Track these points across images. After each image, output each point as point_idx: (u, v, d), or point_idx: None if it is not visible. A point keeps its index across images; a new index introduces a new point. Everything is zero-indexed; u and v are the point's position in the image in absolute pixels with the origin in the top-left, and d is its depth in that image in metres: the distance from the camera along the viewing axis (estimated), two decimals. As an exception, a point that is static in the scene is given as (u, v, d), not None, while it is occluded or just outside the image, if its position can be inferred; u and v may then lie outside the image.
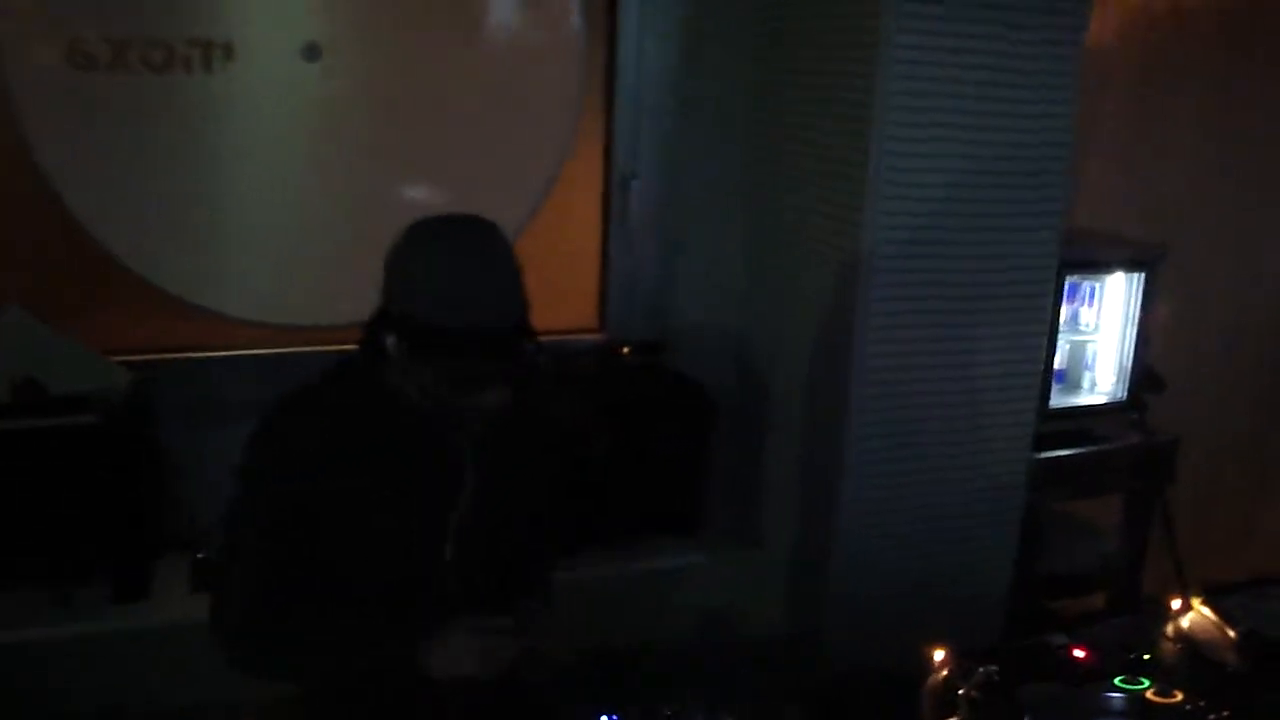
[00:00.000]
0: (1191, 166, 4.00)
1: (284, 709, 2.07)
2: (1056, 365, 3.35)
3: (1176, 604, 2.33)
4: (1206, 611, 2.27)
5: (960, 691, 2.02)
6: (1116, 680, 1.90)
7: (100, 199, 2.91)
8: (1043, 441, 3.28)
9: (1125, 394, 3.44)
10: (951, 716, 1.97)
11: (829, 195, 3.00)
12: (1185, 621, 2.28)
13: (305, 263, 3.08)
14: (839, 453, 2.99)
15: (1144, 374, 3.36)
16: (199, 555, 2.91)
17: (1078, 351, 3.51)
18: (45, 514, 2.70)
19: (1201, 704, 1.81)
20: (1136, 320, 3.41)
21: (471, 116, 3.15)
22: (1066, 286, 3.28)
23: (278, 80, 2.98)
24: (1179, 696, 1.84)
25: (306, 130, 3.05)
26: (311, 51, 2.96)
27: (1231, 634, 2.17)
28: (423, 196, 3.18)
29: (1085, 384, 3.52)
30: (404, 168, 3.15)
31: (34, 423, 2.66)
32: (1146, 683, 1.89)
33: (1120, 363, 3.46)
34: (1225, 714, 1.78)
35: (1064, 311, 3.32)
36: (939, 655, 2.14)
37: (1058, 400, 3.37)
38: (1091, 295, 3.47)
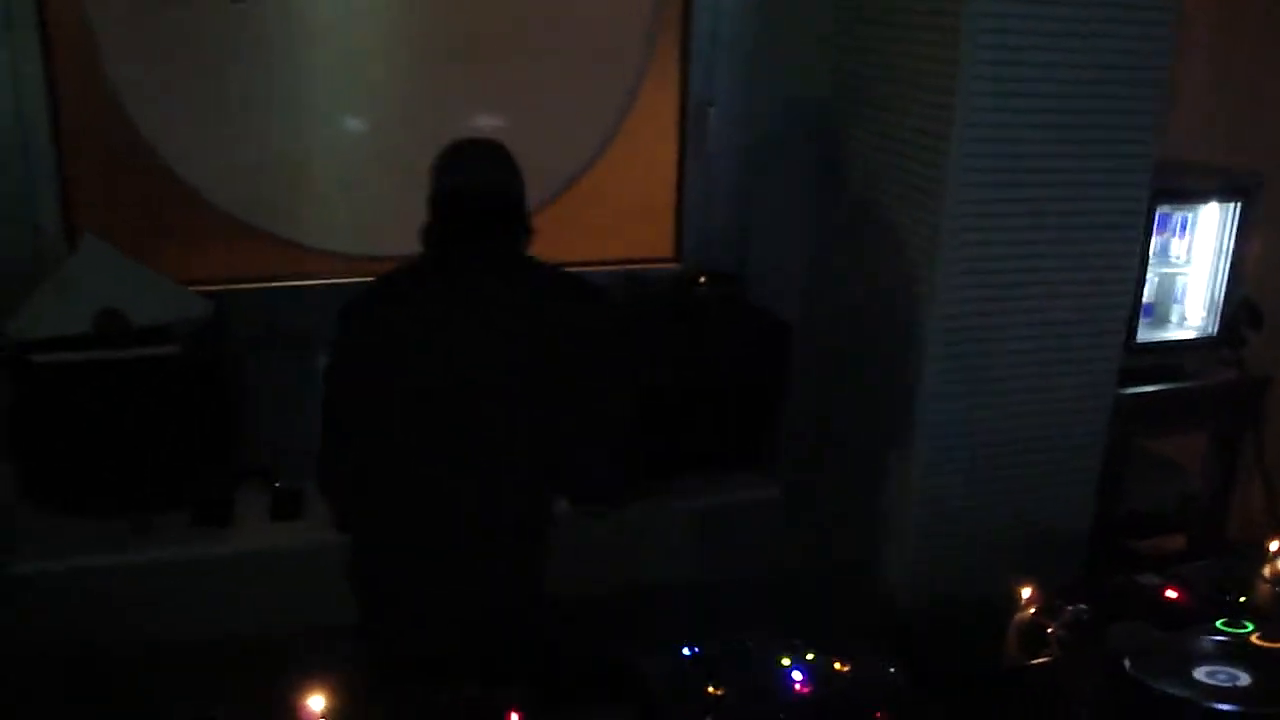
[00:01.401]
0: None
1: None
2: (1145, 298, 3.25)
3: (1275, 545, 2.26)
4: (1305, 552, 2.20)
5: (1049, 630, 1.99)
6: (1218, 623, 1.84)
7: (176, 129, 2.91)
8: (1128, 376, 3.19)
9: (1215, 329, 3.34)
10: (1040, 654, 1.93)
11: (912, 122, 2.92)
12: (1283, 563, 2.21)
13: (381, 192, 3.06)
14: (916, 385, 2.93)
15: (1242, 308, 3.24)
16: (277, 484, 2.94)
17: (1167, 284, 3.41)
18: (127, 443, 2.73)
19: (1308, 648, 1.75)
20: (1230, 253, 3.29)
21: (544, 45, 3.09)
22: (1157, 217, 3.17)
23: (355, 9, 2.94)
24: (1283, 641, 1.78)
25: (382, 61, 3.02)
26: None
27: (1332, 576, 2.10)
28: (496, 126, 3.13)
29: (1174, 318, 3.42)
30: (477, 97, 3.11)
31: (116, 354, 2.68)
32: (1250, 626, 1.83)
33: (1211, 297, 3.35)
34: (1335, 660, 1.72)
35: (1154, 243, 3.22)
36: (1026, 592, 2.10)
37: (1145, 334, 3.28)
38: (1183, 226, 3.36)
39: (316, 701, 1.70)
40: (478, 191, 2.20)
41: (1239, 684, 1.63)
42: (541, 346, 2.17)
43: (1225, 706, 1.56)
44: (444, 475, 2.18)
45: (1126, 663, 1.68)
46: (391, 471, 2.21)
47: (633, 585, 2.96)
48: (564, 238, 3.03)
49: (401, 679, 2.23)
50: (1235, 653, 1.71)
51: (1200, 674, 1.66)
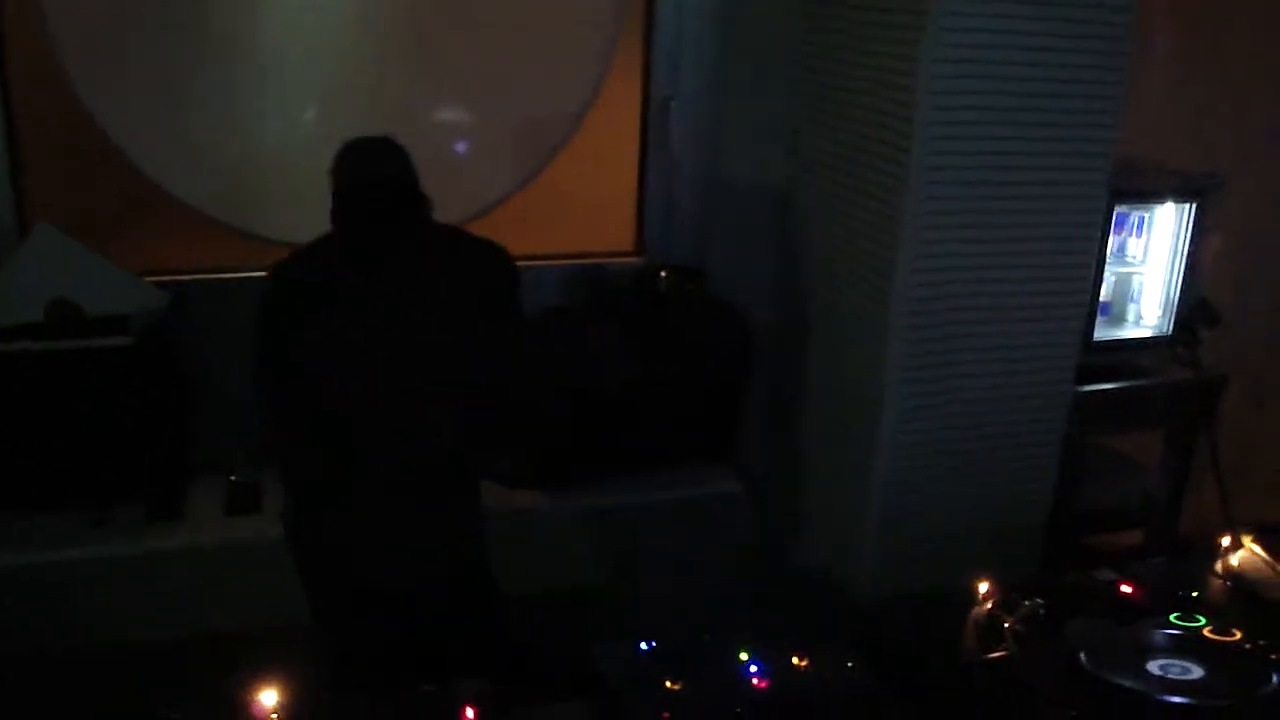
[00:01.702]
0: (1245, 96, 3.87)
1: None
2: (1102, 297, 3.28)
3: (1226, 541, 2.29)
4: (1258, 549, 2.23)
5: (1006, 624, 1.99)
6: (1171, 617, 1.85)
7: (133, 118, 2.87)
8: (1085, 374, 3.22)
9: (1171, 328, 3.37)
10: (996, 649, 1.94)
11: (875, 121, 2.93)
12: (1235, 559, 2.24)
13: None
14: (879, 382, 2.95)
15: (1198, 306, 3.28)
16: (232, 477, 2.91)
17: (1123, 284, 3.44)
18: (81, 435, 2.69)
19: (1261, 643, 1.77)
20: (1186, 252, 3.32)
21: (504, 35, 3.08)
22: (1115, 217, 3.19)
23: (318, 2, 2.91)
24: (1238, 635, 1.80)
25: (341, 47, 2.99)
26: (342, -38, 2.89)
27: (1280, 573, 2.13)
28: (457, 117, 3.12)
29: (1130, 317, 3.45)
30: (439, 87, 3.09)
31: (70, 344, 2.64)
32: (1203, 620, 1.85)
33: (1167, 296, 3.38)
34: (1285, 653, 1.74)
35: (1111, 242, 3.24)
36: (984, 587, 2.11)
37: (1102, 333, 3.31)
38: (1140, 226, 3.39)
39: (269, 697, 1.68)
40: (383, 180, 2.38)
41: (1190, 677, 1.65)
42: (460, 295, 2.38)
43: (1177, 699, 1.58)
44: (380, 418, 2.32)
45: (1082, 656, 1.69)
46: (331, 421, 2.32)
47: (591, 580, 2.96)
48: (526, 231, 3.03)
49: (350, 636, 2.38)
50: (1187, 646, 1.73)
51: (1154, 667, 1.68)
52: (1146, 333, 3.41)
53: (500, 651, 2.46)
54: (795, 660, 1.92)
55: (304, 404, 2.35)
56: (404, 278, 2.36)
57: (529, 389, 2.49)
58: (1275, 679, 1.64)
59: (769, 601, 3.15)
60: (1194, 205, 3.30)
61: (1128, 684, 1.61)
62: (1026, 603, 2.06)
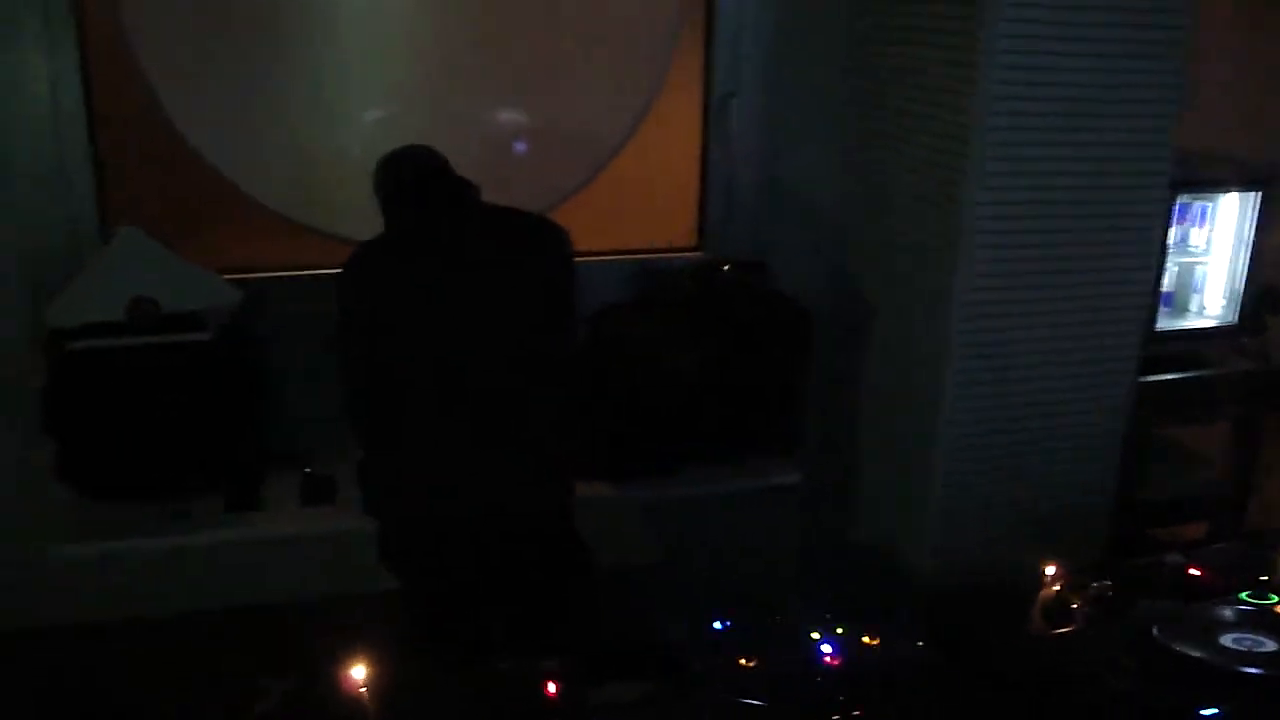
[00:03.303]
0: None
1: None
2: (1165, 287, 3.27)
3: (1295, 526, 2.29)
4: (1325, 533, 2.23)
5: (1074, 605, 2.02)
6: (1243, 595, 1.87)
7: (209, 120, 2.95)
8: (1148, 365, 3.21)
9: (1235, 317, 3.36)
10: (1064, 627, 1.97)
11: (933, 113, 2.94)
12: (1304, 543, 2.24)
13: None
14: (940, 373, 2.96)
15: (1264, 295, 3.26)
16: (307, 470, 2.98)
17: (1186, 273, 3.43)
18: (160, 428, 2.76)
19: (1333, 618, 1.78)
20: (1250, 241, 3.31)
21: (571, 35, 3.13)
22: (1177, 207, 3.19)
23: (387, 2, 2.98)
24: (1310, 610, 1.81)
25: (411, 50, 3.06)
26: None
27: (1351, 555, 2.13)
28: (523, 116, 3.18)
29: (1193, 307, 3.44)
30: (505, 88, 3.15)
31: (149, 339, 2.72)
32: (1275, 598, 1.86)
33: (1231, 285, 3.37)
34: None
35: (1173, 232, 3.24)
36: (1051, 569, 2.13)
37: (1165, 323, 3.30)
38: (1203, 216, 3.38)
39: (359, 671, 1.74)
40: (431, 169, 2.58)
41: (1265, 649, 1.66)
42: (524, 268, 2.53)
43: (1252, 670, 1.59)
44: (465, 393, 2.46)
45: (1155, 630, 1.71)
46: (419, 399, 2.46)
47: (662, 565, 3.00)
48: (589, 227, 3.07)
49: (431, 579, 2.54)
50: (1260, 620, 1.74)
51: (1227, 640, 1.69)
52: (1210, 323, 3.40)
53: (582, 616, 2.60)
54: (866, 639, 1.96)
55: (385, 383, 2.47)
56: (469, 255, 2.50)
57: (583, 361, 2.69)
58: (1348, 651, 1.65)
59: (834, 587, 3.18)
60: (1258, 194, 3.28)
61: (1202, 655, 1.63)
62: (1095, 584, 2.08)
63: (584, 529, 2.66)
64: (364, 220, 3.02)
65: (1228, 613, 1.76)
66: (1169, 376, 3.29)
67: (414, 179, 2.57)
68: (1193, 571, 2.15)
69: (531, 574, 2.52)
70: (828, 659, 1.89)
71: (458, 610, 2.54)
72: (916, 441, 3.09)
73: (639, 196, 3.37)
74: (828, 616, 2.00)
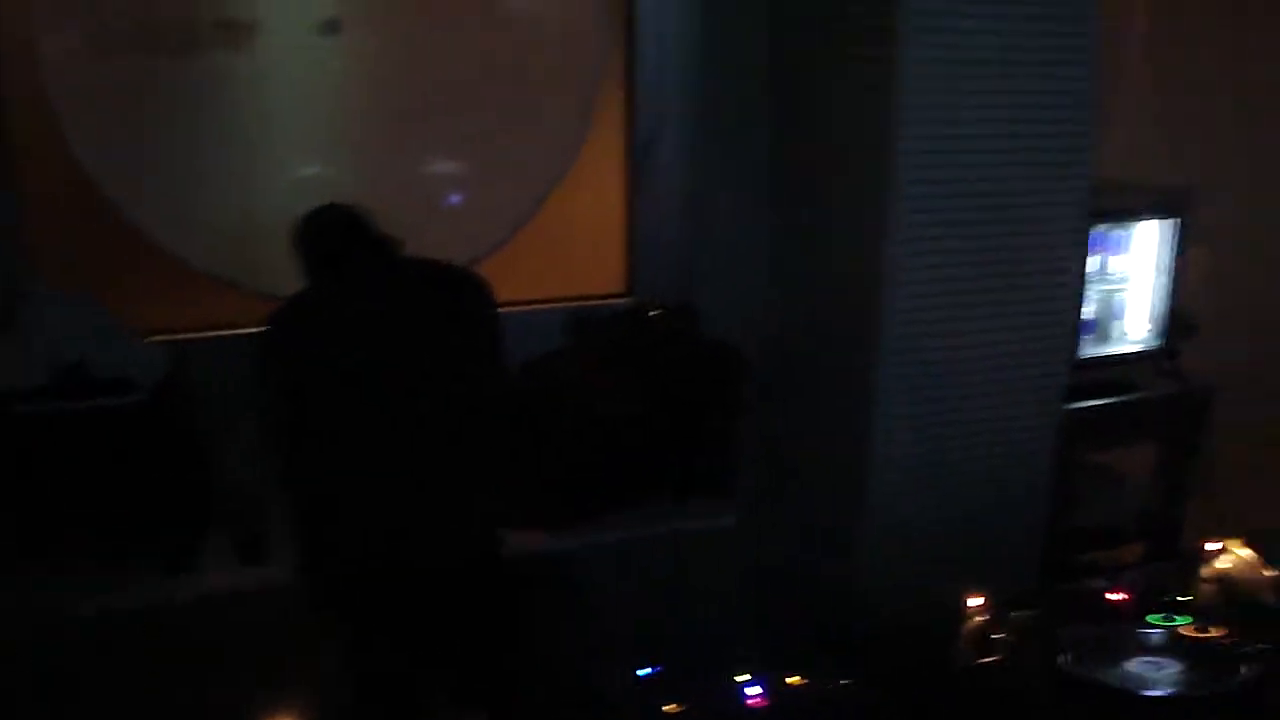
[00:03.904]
0: (1219, 110, 3.96)
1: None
2: (1087, 315, 3.34)
3: (1213, 546, 2.34)
4: (1244, 552, 2.28)
5: (996, 636, 2.05)
6: (1151, 618, 1.91)
7: (131, 178, 2.94)
8: (1075, 392, 3.27)
9: (1158, 342, 3.42)
10: (988, 657, 1.99)
11: (853, 152, 3.00)
12: (1223, 563, 2.29)
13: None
14: (869, 408, 3.00)
15: (1175, 320, 3.34)
16: (244, 528, 2.96)
17: (1108, 301, 3.50)
18: (92, 494, 2.74)
19: (1237, 639, 1.82)
20: (1167, 267, 3.39)
21: (491, 87, 3.16)
22: (1095, 236, 3.26)
23: (300, 56, 3.00)
24: (1214, 632, 1.85)
25: (330, 105, 3.08)
26: (332, 26, 2.98)
27: (1269, 573, 2.17)
28: (445, 168, 3.20)
29: (1116, 333, 3.51)
30: (429, 142, 3.17)
31: (76, 405, 2.70)
32: (1180, 620, 1.90)
33: (1152, 311, 3.44)
34: (1260, 648, 1.79)
35: (1094, 261, 3.31)
36: (976, 600, 2.17)
37: (1089, 350, 3.37)
38: (1121, 243, 3.46)
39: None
40: (350, 224, 2.59)
41: (1167, 672, 1.70)
42: (448, 319, 2.57)
43: (1154, 693, 1.63)
44: (393, 445, 2.48)
45: (1062, 659, 1.74)
46: (347, 453, 2.48)
47: (596, 611, 3.00)
48: (516, 278, 3.10)
49: (362, 626, 2.53)
50: (1164, 644, 1.78)
51: (1133, 665, 1.73)
52: (1133, 348, 3.47)
53: (512, 665, 2.57)
54: (791, 679, 1.97)
55: (308, 440, 2.49)
56: (391, 309, 2.52)
57: (511, 408, 2.69)
58: (1244, 670, 1.69)
59: (769, 626, 3.18)
60: (1172, 220, 3.36)
61: (1106, 681, 1.66)
62: (1016, 614, 2.12)
63: (518, 576, 2.66)
64: (292, 277, 3.03)
65: (1135, 637, 1.80)
66: (1095, 402, 3.35)
67: (334, 235, 2.59)
68: (1113, 596, 2.18)
69: (462, 622, 2.53)
70: (752, 700, 1.90)
71: (393, 657, 2.53)
72: (847, 476, 3.12)
73: (566, 245, 3.40)
74: (753, 658, 2.01)
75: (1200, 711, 1.63)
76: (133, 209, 2.95)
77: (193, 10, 2.89)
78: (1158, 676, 1.69)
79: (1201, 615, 1.99)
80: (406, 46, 3.08)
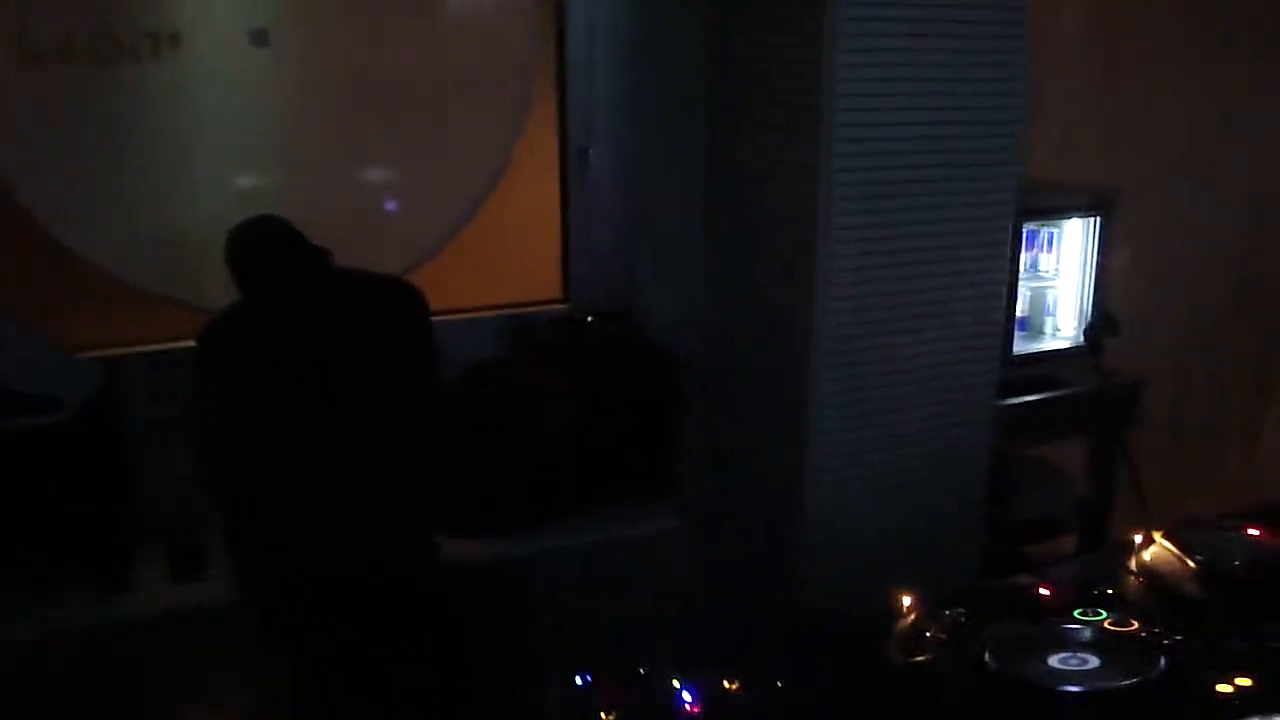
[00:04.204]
0: (1147, 109, 4.04)
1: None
2: (1019, 312, 3.38)
3: (1138, 538, 2.39)
4: (1168, 544, 2.32)
5: (928, 634, 2.07)
6: (1075, 613, 1.94)
7: (56, 193, 2.90)
8: (1008, 388, 3.31)
9: (1083, 338, 3.48)
10: (919, 656, 2.02)
11: (785, 154, 3.02)
12: (1147, 555, 2.34)
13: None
14: (804, 410, 3.02)
15: (1099, 317, 3.40)
16: (176, 545, 2.94)
17: (1039, 298, 3.55)
18: (20, 513, 2.70)
19: (1156, 631, 1.86)
20: (1094, 265, 3.45)
21: (422, 94, 3.15)
22: (1025, 234, 3.31)
23: (228, 68, 2.98)
24: (1134, 625, 1.89)
25: (259, 116, 3.05)
26: (260, 37, 2.96)
27: (1191, 565, 2.22)
28: (378, 178, 3.19)
29: (1048, 329, 3.57)
30: (357, 150, 3.16)
31: (1, 424, 2.66)
32: (1105, 614, 1.94)
33: (1081, 307, 3.50)
34: (1178, 639, 1.83)
35: (1024, 259, 3.36)
36: (907, 600, 2.19)
37: (1021, 347, 3.41)
38: (1050, 241, 3.51)
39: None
40: (282, 236, 2.61)
41: (1086, 667, 1.73)
42: (381, 327, 2.59)
43: (1072, 688, 1.66)
44: (329, 454, 2.49)
45: (986, 655, 1.77)
46: (282, 463, 2.50)
47: (534, 617, 3.00)
48: (453, 286, 3.10)
49: (303, 640, 2.53)
50: (1084, 639, 1.81)
51: (1054, 660, 1.76)
52: (1063, 344, 3.52)
53: (453, 665, 2.62)
54: (726, 684, 1.99)
55: (242, 451, 2.50)
56: (323, 319, 2.53)
57: (446, 416, 2.71)
58: (1164, 662, 1.73)
59: (711, 630, 3.20)
60: (1098, 219, 3.42)
61: (1028, 677, 1.69)
62: (948, 612, 2.14)
63: (457, 584, 2.67)
64: (225, 289, 3.01)
65: (1056, 632, 1.83)
66: (1028, 398, 3.39)
67: (262, 249, 2.60)
68: (1042, 591, 2.22)
69: (399, 630, 2.52)
70: (688, 707, 1.91)
71: (331, 667, 2.52)
72: (785, 478, 3.14)
73: (502, 253, 3.40)
74: (689, 664, 2.02)
75: (1120, 704, 1.66)
76: (60, 224, 2.91)
77: (117, 22, 2.85)
78: (1079, 671, 1.72)
79: (1126, 608, 2.03)
80: (335, 56, 3.06)
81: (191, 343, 2.57)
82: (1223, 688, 1.72)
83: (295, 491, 2.49)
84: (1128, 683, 1.69)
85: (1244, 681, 1.73)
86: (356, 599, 2.47)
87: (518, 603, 3.01)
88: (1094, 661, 1.75)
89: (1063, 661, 1.75)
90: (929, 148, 2.96)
